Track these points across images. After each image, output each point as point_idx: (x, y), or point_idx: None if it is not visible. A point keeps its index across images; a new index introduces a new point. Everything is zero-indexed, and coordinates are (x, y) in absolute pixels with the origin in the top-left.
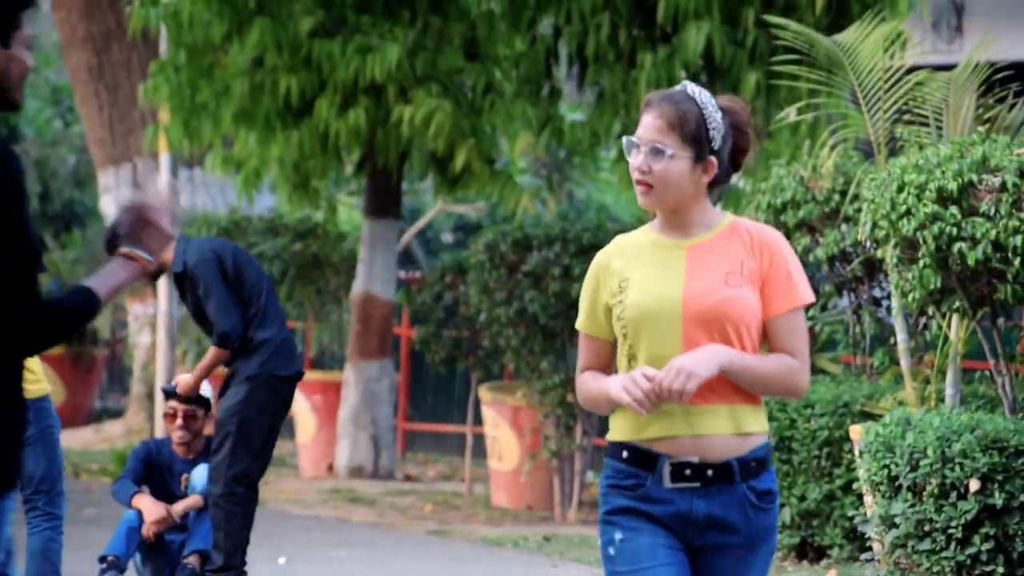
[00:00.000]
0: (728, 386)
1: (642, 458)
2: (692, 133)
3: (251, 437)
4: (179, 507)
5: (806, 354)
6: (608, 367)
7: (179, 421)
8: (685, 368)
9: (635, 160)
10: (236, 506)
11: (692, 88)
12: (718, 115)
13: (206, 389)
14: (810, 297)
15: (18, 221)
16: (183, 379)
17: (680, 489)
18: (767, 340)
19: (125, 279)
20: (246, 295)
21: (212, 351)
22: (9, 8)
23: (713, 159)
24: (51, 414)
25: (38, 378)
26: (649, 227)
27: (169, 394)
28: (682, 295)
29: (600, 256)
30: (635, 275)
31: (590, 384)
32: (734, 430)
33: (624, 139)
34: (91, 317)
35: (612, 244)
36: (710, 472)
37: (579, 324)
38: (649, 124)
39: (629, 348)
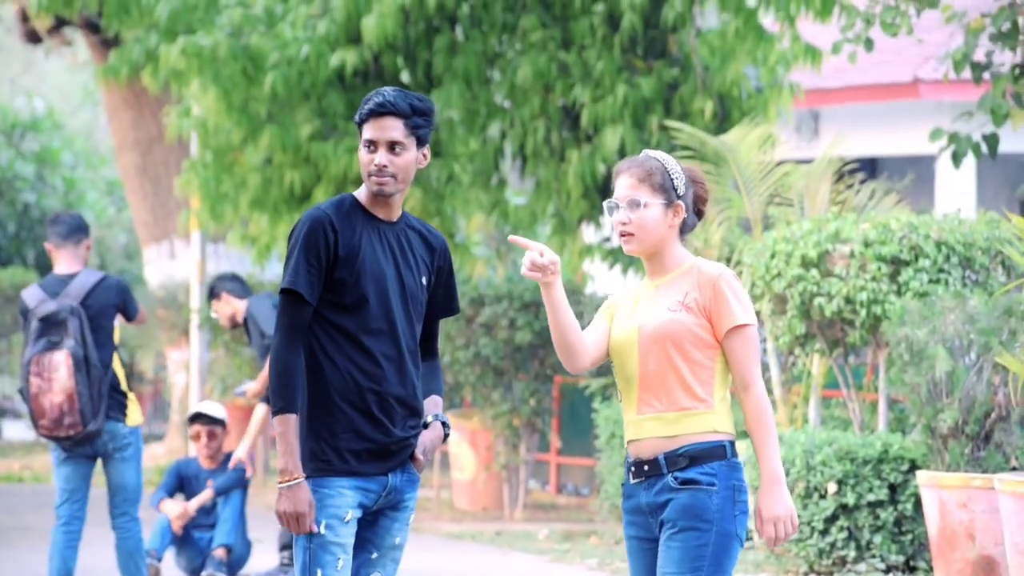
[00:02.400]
0: (659, 401)
1: (626, 461)
2: (659, 183)
3: None
4: (194, 502)
5: (752, 371)
6: (593, 340)
7: (204, 439)
8: (779, 517)
9: (616, 216)
10: None
11: (651, 152)
12: (678, 167)
13: (221, 411)
14: (745, 319)
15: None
16: (249, 385)
17: (636, 484)
18: (726, 359)
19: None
20: None
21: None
22: (358, 118)
23: (680, 203)
24: (141, 440)
25: (136, 410)
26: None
27: (195, 418)
28: (639, 325)
29: (610, 299)
30: (618, 318)
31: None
32: (663, 433)
33: (605, 203)
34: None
35: (618, 292)
36: (646, 467)
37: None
38: (623, 184)
39: (614, 371)
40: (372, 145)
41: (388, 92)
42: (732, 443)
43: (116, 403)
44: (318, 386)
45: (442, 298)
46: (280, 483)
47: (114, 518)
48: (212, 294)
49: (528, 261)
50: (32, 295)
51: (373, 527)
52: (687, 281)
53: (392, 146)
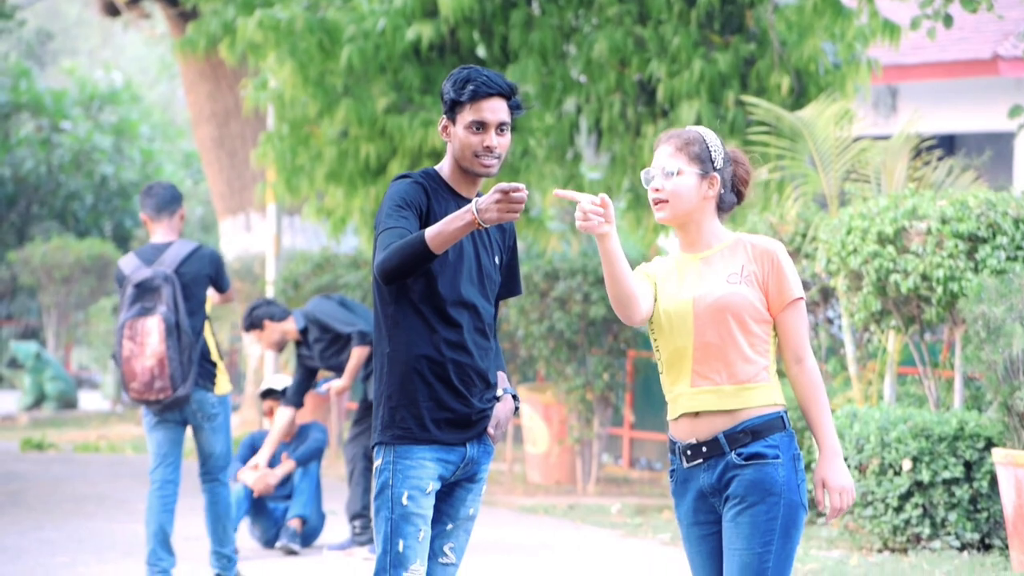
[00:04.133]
0: (718, 374)
1: (672, 445)
2: (696, 153)
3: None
4: (277, 472)
5: (806, 344)
6: (641, 288)
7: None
8: (844, 487)
9: (651, 184)
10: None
11: (693, 127)
12: (718, 141)
13: (287, 383)
14: (801, 293)
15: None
16: (335, 383)
17: (692, 467)
18: (777, 333)
19: (457, 225)
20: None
21: (355, 352)
22: (453, 97)
23: (716, 175)
24: (229, 408)
25: (225, 379)
26: (676, 249)
27: (267, 394)
28: (693, 296)
29: (644, 267)
30: (663, 288)
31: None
32: (722, 407)
33: (643, 172)
34: (418, 253)
35: (654, 262)
36: (704, 448)
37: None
38: (661, 153)
39: (655, 342)
40: (481, 126)
41: (486, 72)
42: (787, 412)
43: (205, 372)
44: (401, 355)
45: (507, 279)
46: (475, 209)
47: (204, 483)
48: (252, 326)
49: (580, 212)
50: (128, 263)
51: (448, 498)
52: (740, 254)
53: (501, 127)
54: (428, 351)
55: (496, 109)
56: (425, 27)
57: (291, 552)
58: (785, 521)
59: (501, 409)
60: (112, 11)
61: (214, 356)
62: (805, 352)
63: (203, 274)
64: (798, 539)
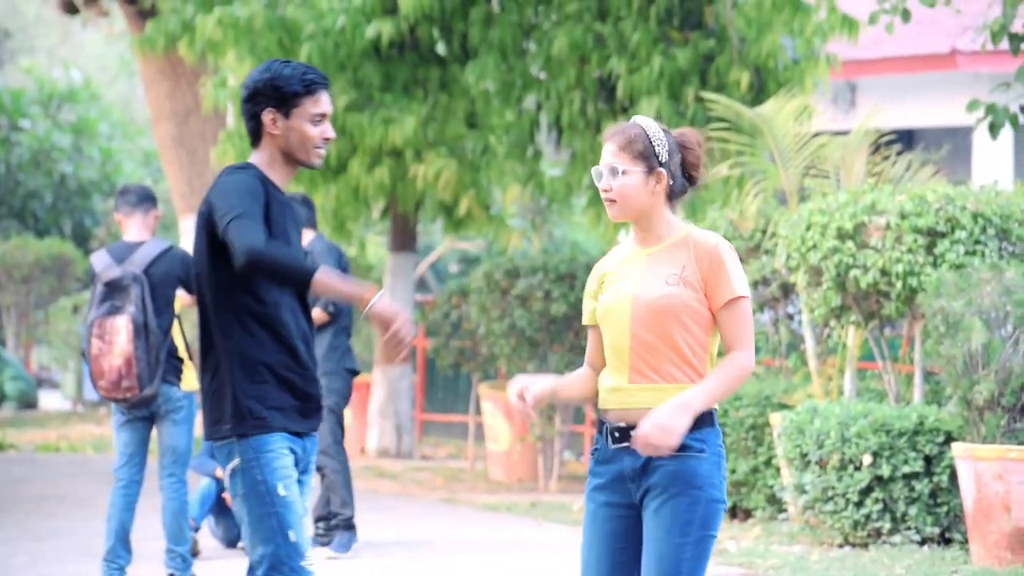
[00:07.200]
0: (656, 372)
1: (600, 425)
2: (640, 151)
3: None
4: None
5: (747, 337)
6: (601, 352)
7: None
8: (663, 426)
9: (600, 183)
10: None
11: (638, 118)
12: (662, 134)
13: None
14: (744, 291)
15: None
16: None
17: (618, 449)
18: (719, 330)
19: (347, 290)
20: None
21: (316, 311)
22: (289, 90)
23: (662, 170)
24: (195, 405)
25: (192, 376)
26: (630, 237)
27: None
28: (632, 294)
29: (598, 264)
30: (611, 278)
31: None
32: (656, 403)
33: (593, 170)
34: (297, 276)
35: (609, 254)
36: (632, 432)
37: (584, 320)
38: (607, 151)
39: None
40: (322, 118)
41: (304, 64)
42: (716, 409)
43: (172, 368)
44: (255, 351)
45: None
46: (375, 302)
47: (162, 479)
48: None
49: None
50: (100, 260)
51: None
52: (682, 253)
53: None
54: (278, 355)
55: (329, 100)
56: (385, 24)
57: None
58: (704, 515)
59: None
60: (71, 9)
61: (181, 353)
62: (742, 346)
63: (173, 274)
64: (716, 535)
